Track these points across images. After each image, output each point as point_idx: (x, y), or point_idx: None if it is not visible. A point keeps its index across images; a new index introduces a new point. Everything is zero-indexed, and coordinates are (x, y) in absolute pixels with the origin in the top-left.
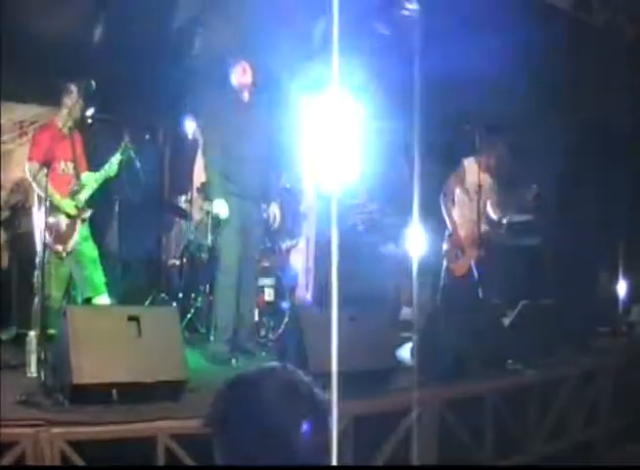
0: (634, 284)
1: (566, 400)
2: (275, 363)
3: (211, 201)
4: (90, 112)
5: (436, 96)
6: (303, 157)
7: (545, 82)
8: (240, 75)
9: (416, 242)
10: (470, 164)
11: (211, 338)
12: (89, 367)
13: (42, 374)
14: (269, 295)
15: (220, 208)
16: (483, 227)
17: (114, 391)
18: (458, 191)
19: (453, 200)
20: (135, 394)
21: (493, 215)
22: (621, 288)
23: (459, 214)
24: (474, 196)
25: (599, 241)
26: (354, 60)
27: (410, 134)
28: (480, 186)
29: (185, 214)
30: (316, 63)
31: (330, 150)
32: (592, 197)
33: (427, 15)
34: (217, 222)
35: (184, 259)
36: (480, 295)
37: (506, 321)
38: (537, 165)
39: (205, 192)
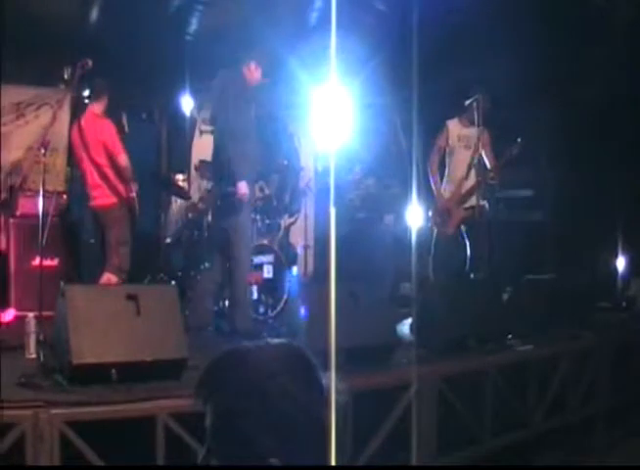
0: (634, 258)
1: (565, 376)
2: (282, 340)
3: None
4: (87, 92)
5: (433, 69)
6: (302, 134)
7: (546, 58)
8: (249, 74)
9: (414, 215)
10: (454, 125)
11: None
12: (88, 347)
13: (41, 355)
14: (268, 272)
15: (243, 189)
16: (472, 182)
17: (114, 370)
18: (441, 153)
19: (437, 163)
20: (134, 373)
21: (488, 165)
22: (621, 262)
23: (445, 176)
24: (459, 153)
25: (599, 216)
26: (353, 36)
27: (407, 109)
28: (465, 141)
29: (183, 193)
30: (314, 38)
31: (328, 126)
32: (592, 172)
33: None
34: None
35: (183, 238)
36: (469, 254)
37: (505, 296)
38: (536, 142)
39: (203, 171)
